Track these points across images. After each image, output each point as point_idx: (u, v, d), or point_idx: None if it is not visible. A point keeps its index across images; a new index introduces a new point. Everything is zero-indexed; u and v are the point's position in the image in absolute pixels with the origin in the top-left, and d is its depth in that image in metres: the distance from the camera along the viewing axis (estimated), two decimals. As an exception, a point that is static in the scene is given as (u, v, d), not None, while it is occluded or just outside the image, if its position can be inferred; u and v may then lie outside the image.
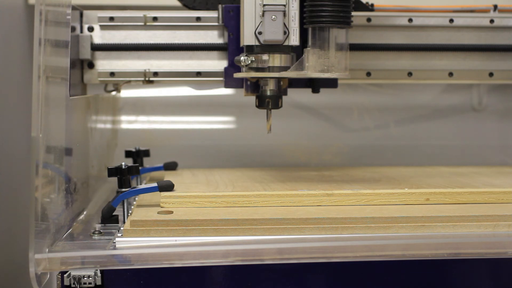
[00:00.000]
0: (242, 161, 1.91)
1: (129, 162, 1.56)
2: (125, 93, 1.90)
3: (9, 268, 1.83)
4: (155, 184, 1.30)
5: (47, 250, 1.12)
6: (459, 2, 1.67)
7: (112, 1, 1.80)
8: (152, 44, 1.59)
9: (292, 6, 1.38)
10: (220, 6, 1.56)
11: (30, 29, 1.85)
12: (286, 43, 1.39)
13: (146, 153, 1.67)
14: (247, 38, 1.40)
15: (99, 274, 1.12)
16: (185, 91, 1.93)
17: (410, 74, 1.65)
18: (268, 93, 1.45)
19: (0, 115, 1.79)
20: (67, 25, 1.32)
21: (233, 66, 1.53)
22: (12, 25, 1.84)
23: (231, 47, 1.56)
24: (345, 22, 1.37)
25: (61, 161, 1.27)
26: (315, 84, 1.57)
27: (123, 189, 1.32)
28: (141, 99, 1.95)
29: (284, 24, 1.38)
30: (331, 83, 1.58)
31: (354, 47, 1.61)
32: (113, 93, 1.77)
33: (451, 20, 1.63)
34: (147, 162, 1.69)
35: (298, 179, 1.50)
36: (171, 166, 1.66)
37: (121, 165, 1.34)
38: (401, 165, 1.79)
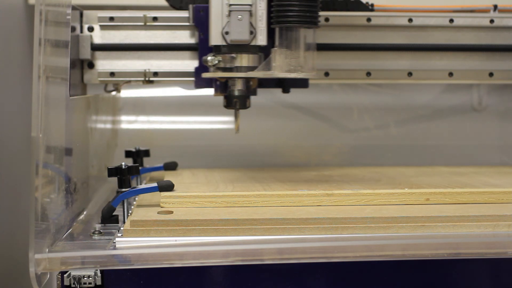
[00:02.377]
0: (242, 161, 1.91)
1: (129, 162, 1.56)
2: (125, 93, 1.90)
3: (10, 268, 1.83)
4: (155, 184, 1.30)
5: (47, 250, 1.12)
6: (459, 2, 1.67)
7: (112, 1, 1.80)
8: (152, 44, 1.59)
9: (260, 6, 1.39)
10: (190, 6, 1.55)
11: (30, 29, 1.85)
12: (253, 43, 1.40)
13: (146, 153, 1.66)
14: (215, 38, 1.40)
15: (99, 274, 1.12)
16: (185, 91, 1.93)
17: (410, 74, 1.65)
18: (236, 93, 1.45)
19: (0, 115, 1.79)
20: (67, 25, 1.32)
21: (204, 66, 1.52)
22: (12, 25, 1.84)
23: (202, 47, 1.55)
24: (312, 22, 1.37)
25: (61, 161, 1.27)
26: (285, 84, 1.56)
27: (123, 189, 1.32)
28: (141, 99, 1.94)
29: (251, 24, 1.39)
30: (302, 83, 1.58)
31: (354, 47, 1.61)
32: (113, 93, 1.77)
33: (451, 20, 1.63)
34: (147, 162, 1.68)
35: (298, 179, 1.50)
36: (171, 166, 1.66)
37: (121, 165, 1.34)
38: (401, 165, 1.79)
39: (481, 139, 1.99)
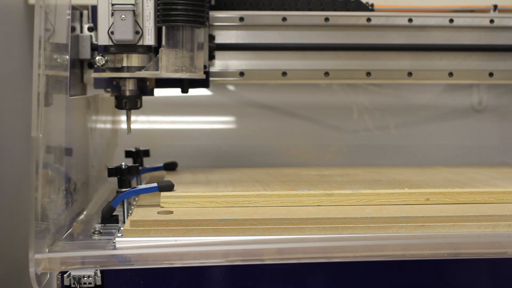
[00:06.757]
0: (242, 161, 1.91)
1: (129, 162, 1.56)
2: (125, 93, 1.90)
3: (10, 268, 1.83)
4: (155, 184, 1.30)
5: (47, 250, 1.12)
6: (459, 2, 1.67)
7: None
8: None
9: (147, 6, 1.38)
10: (89, 6, 1.55)
11: (30, 29, 1.85)
12: (140, 43, 1.39)
13: (146, 153, 1.67)
14: (102, 38, 1.39)
15: (99, 274, 1.12)
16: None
17: (410, 74, 1.65)
18: (127, 93, 1.45)
19: (0, 115, 1.79)
20: (67, 25, 1.32)
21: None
22: (12, 25, 1.84)
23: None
24: (196, 21, 1.37)
25: (61, 161, 1.27)
26: (184, 84, 1.55)
27: (123, 189, 1.32)
28: (141, 99, 1.94)
29: (138, 23, 1.38)
30: (202, 83, 1.56)
31: (354, 47, 1.61)
32: (113, 93, 1.77)
33: (451, 20, 1.63)
34: (147, 162, 1.69)
35: (298, 179, 1.50)
36: (171, 166, 1.66)
37: (121, 165, 1.34)
38: (401, 165, 1.79)
39: (481, 139, 1.99)
